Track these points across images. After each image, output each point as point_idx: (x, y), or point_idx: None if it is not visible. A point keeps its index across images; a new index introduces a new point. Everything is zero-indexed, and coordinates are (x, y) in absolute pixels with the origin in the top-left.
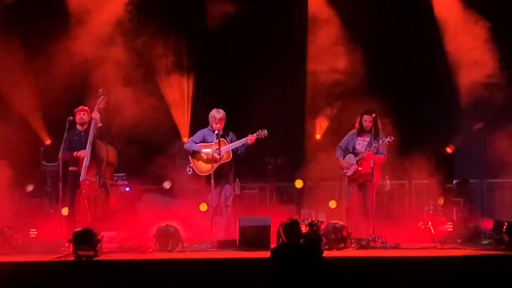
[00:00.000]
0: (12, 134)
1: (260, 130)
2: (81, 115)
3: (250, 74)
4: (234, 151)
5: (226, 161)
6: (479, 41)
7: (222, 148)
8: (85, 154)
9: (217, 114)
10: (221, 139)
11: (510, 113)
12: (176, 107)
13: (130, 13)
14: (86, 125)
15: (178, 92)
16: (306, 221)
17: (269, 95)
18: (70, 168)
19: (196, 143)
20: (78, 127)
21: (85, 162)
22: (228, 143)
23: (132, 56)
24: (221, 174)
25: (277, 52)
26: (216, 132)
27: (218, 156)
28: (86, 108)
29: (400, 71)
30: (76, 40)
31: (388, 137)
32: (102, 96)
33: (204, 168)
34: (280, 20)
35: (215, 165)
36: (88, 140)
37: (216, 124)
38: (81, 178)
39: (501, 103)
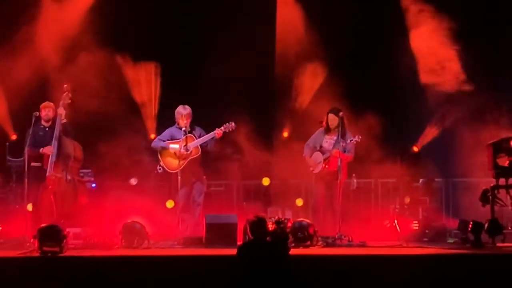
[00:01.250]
0: None
1: (227, 123)
2: (46, 111)
3: (216, 64)
4: (203, 146)
5: (195, 156)
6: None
7: (190, 144)
8: (51, 151)
9: (183, 110)
10: (189, 135)
11: (476, 111)
12: (143, 101)
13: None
14: (51, 121)
15: (145, 87)
16: (273, 218)
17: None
18: (32, 164)
19: (164, 141)
20: (43, 123)
21: (51, 158)
22: (196, 138)
23: (98, 49)
24: (190, 171)
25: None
26: (183, 128)
27: (187, 152)
28: (52, 104)
29: (367, 67)
30: (42, 32)
31: (356, 136)
32: (66, 92)
33: (174, 164)
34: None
35: (184, 162)
36: (54, 136)
37: (183, 120)
38: (47, 174)
39: (467, 102)
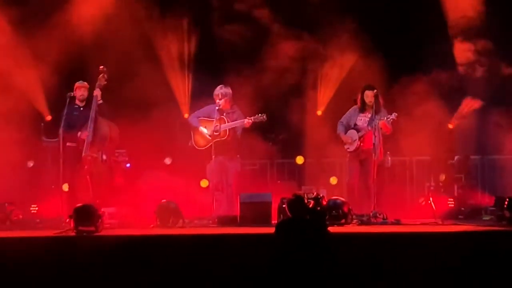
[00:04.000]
0: (13, 109)
1: (259, 115)
2: (82, 91)
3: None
4: (233, 130)
5: (222, 138)
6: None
7: (221, 126)
8: (87, 135)
9: (217, 90)
10: (222, 116)
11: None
12: (176, 82)
13: None
14: (85, 101)
15: (179, 68)
16: (311, 194)
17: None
18: (67, 144)
19: (199, 117)
20: (78, 102)
21: (88, 138)
22: (230, 121)
23: (133, 31)
24: (222, 151)
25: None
26: (217, 108)
27: (216, 133)
28: (86, 84)
29: (399, 39)
30: (77, 14)
31: (393, 114)
32: (102, 73)
33: (201, 143)
34: None
35: (211, 141)
36: (90, 117)
37: (218, 100)
38: (83, 154)
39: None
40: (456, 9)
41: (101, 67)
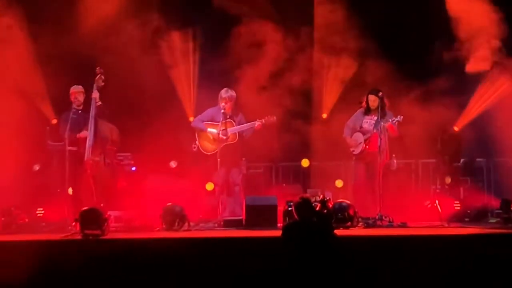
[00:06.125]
0: (19, 113)
1: (269, 116)
2: (75, 95)
3: None
4: (240, 133)
5: (231, 142)
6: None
7: (228, 129)
8: (86, 135)
9: (224, 94)
10: (229, 120)
11: None
12: (181, 85)
13: None
14: (83, 104)
15: (184, 70)
16: (317, 197)
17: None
18: (69, 148)
19: (204, 121)
20: (75, 107)
21: (88, 142)
22: (236, 125)
23: (134, 31)
24: (228, 154)
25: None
26: (222, 111)
27: (224, 137)
28: (80, 87)
29: (406, 41)
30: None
31: (398, 116)
32: (99, 74)
33: (209, 147)
34: None
35: (219, 146)
36: (90, 120)
37: (223, 103)
38: (85, 158)
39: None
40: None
41: (98, 68)
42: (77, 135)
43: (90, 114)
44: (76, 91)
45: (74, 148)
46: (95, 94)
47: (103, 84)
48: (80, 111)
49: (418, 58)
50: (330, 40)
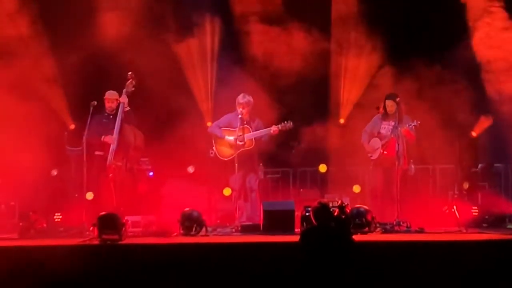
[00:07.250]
0: (36, 118)
1: (285, 122)
2: (110, 103)
3: None
4: (257, 139)
5: (248, 148)
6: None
7: (245, 135)
8: (112, 140)
9: (241, 99)
10: (246, 125)
11: None
12: (199, 91)
13: None
14: (114, 110)
15: (201, 77)
16: (335, 203)
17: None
18: (96, 153)
19: (221, 127)
20: (107, 111)
21: (112, 146)
22: (252, 130)
23: (158, 40)
24: (245, 159)
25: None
26: (240, 116)
27: (241, 143)
28: (115, 93)
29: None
30: (102, 20)
31: (415, 121)
32: (130, 79)
33: (227, 153)
34: None
35: (237, 151)
36: (116, 124)
37: (240, 109)
38: (108, 162)
39: None
40: None
41: (130, 73)
42: (102, 138)
43: (117, 119)
44: (111, 98)
45: (101, 153)
46: (124, 99)
47: (133, 89)
48: (111, 116)
49: (438, 62)
50: (348, 42)
